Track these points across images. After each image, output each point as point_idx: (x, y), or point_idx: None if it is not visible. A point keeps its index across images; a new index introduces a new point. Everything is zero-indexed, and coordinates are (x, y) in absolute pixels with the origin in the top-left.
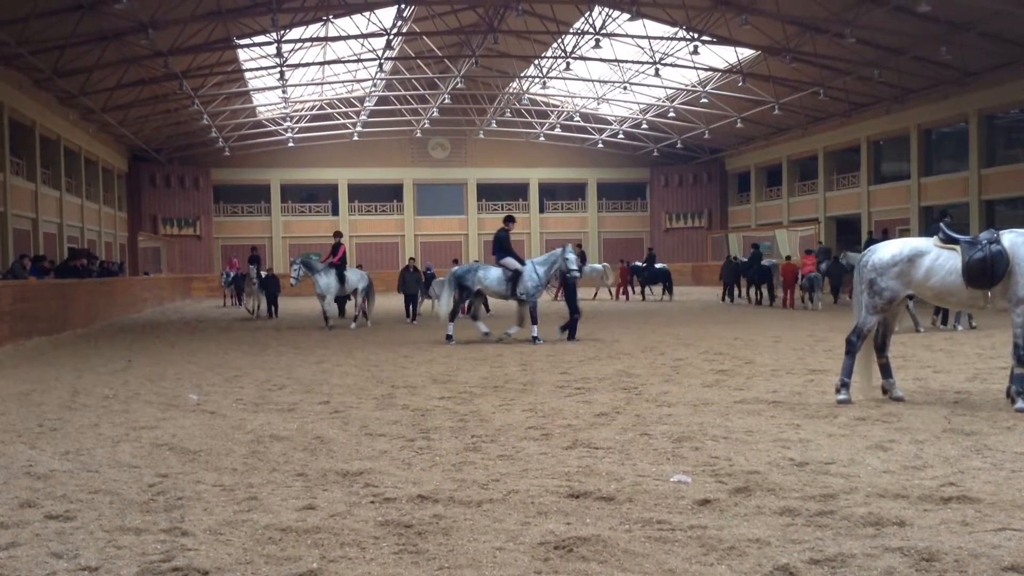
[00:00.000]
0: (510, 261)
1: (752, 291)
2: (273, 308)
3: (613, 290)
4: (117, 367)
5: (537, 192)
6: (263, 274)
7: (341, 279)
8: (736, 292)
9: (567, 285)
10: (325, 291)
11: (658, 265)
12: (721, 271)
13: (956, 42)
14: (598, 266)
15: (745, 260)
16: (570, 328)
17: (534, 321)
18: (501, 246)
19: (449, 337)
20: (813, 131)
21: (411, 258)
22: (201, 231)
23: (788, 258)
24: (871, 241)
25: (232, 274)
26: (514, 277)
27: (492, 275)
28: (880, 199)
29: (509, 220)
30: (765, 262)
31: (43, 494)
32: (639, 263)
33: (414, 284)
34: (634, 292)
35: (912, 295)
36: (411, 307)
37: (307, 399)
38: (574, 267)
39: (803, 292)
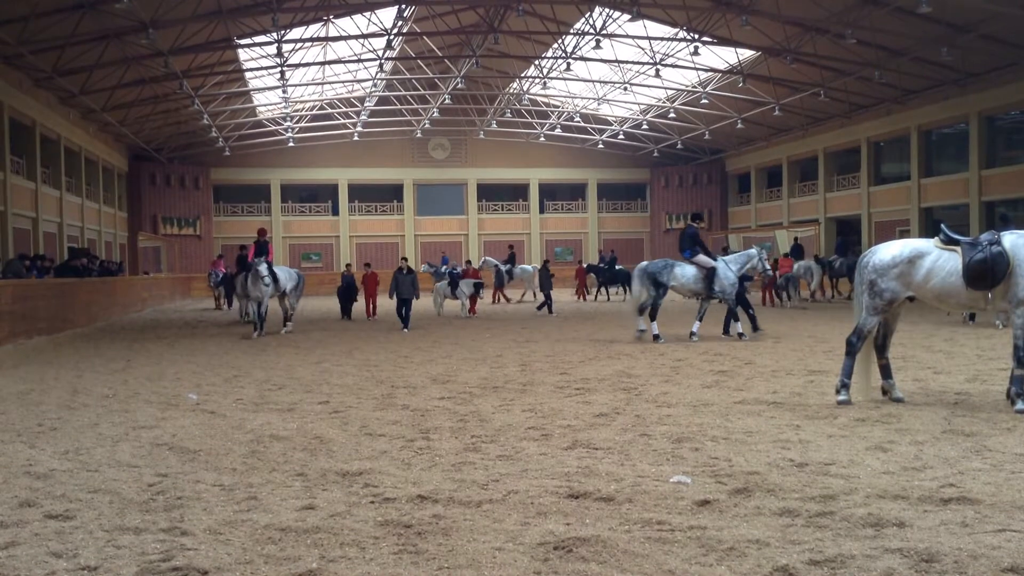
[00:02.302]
0: (704, 259)
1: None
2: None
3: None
4: (117, 367)
5: (537, 193)
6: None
7: (275, 279)
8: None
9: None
10: (251, 292)
11: (618, 267)
12: None
13: (957, 43)
14: (528, 267)
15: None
16: (752, 320)
17: (735, 319)
18: (694, 242)
19: (641, 331)
20: (813, 132)
21: (403, 258)
22: (201, 231)
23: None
24: (842, 244)
25: (221, 274)
26: (709, 275)
27: (688, 273)
28: (880, 200)
29: (698, 218)
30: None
31: (43, 493)
32: (597, 265)
33: (408, 288)
34: (588, 294)
35: (912, 297)
36: (404, 312)
37: (307, 399)
38: (768, 268)
39: (779, 291)
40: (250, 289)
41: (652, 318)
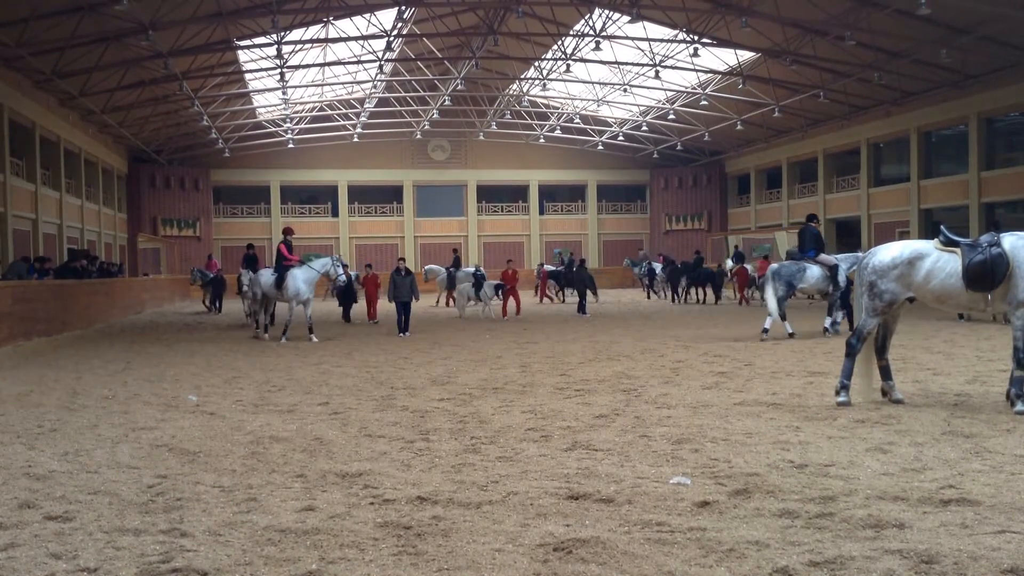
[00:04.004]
0: (827, 258)
1: (695, 292)
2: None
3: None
4: (116, 368)
5: (537, 194)
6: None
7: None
8: (681, 293)
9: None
10: (296, 294)
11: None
12: (668, 274)
13: (956, 45)
14: (471, 270)
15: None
16: (849, 320)
17: (831, 313)
18: (816, 242)
19: (791, 334)
20: (813, 133)
21: (401, 259)
22: (201, 232)
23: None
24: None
25: (211, 275)
26: (832, 273)
27: (816, 274)
28: (880, 201)
29: (814, 218)
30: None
31: (42, 495)
32: (556, 269)
33: (407, 291)
34: (551, 297)
35: (912, 298)
36: (403, 317)
37: (306, 400)
38: None
39: (759, 291)
40: (301, 291)
41: (782, 318)
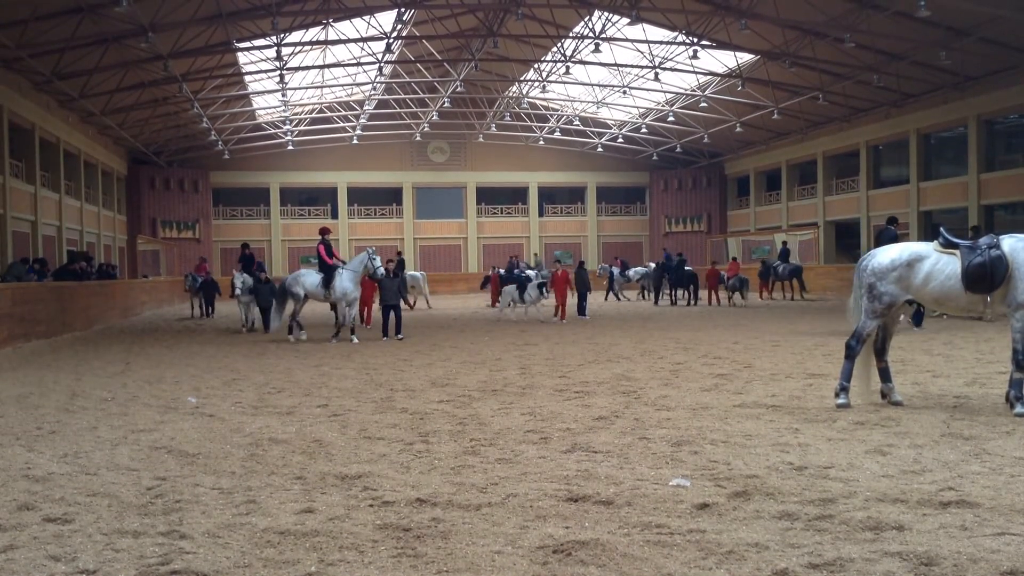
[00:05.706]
0: None
1: (676, 292)
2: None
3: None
4: (115, 370)
5: (536, 196)
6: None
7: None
8: (662, 294)
9: None
10: (344, 295)
11: (517, 272)
12: (652, 275)
13: (955, 47)
14: (416, 273)
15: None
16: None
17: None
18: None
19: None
20: (812, 135)
21: (390, 260)
22: (200, 234)
23: (713, 264)
24: (785, 252)
25: (201, 279)
26: None
27: None
28: (879, 203)
29: (894, 221)
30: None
31: (41, 497)
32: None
33: (394, 293)
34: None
35: (912, 300)
36: (389, 318)
37: (306, 402)
38: None
39: (731, 292)
40: (348, 290)
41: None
